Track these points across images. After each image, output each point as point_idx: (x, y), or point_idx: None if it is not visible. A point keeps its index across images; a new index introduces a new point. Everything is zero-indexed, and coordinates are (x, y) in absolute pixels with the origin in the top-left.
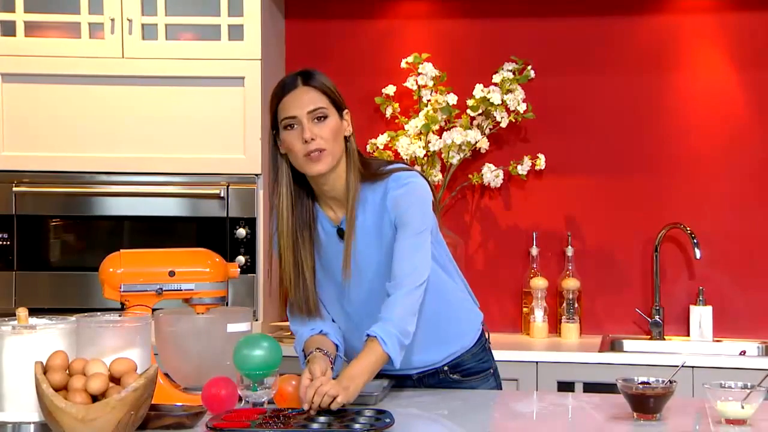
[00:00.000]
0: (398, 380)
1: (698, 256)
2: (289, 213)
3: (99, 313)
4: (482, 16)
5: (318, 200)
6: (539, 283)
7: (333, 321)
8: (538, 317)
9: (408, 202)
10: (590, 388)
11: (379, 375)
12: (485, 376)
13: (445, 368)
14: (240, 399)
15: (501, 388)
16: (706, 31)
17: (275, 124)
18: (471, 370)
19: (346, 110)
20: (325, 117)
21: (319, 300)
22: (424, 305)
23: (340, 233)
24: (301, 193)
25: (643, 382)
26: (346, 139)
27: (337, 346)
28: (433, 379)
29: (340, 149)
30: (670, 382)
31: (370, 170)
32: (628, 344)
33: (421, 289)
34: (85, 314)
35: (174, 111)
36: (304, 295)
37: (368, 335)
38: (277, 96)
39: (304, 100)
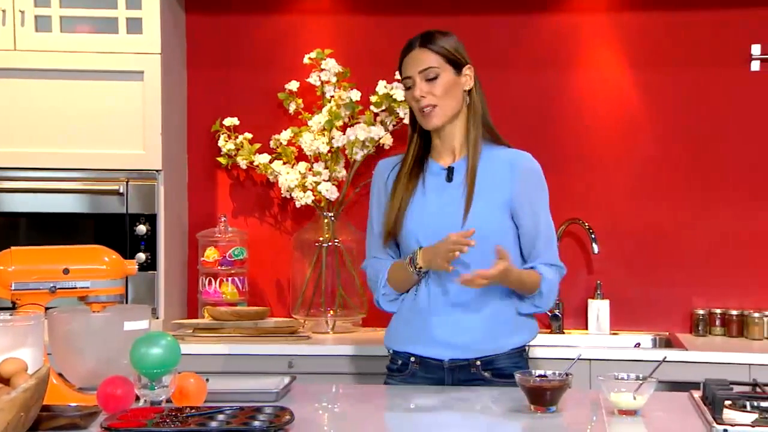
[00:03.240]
0: (430, 369)
1: (596, 250)
2: (413, 159)
3: None
4: (385, 12)
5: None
6: None
7: None
8: None
9: (543, 186)
10: None
11: (408, 358)
12: None
13: (477, 363)
14: (137, 398)
15: None
16: (602, 30)
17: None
18: (503, 372)
19: (467, 65)
20: (437, 76)
21: (403, 225)
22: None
23: (450, 172)
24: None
25: (540, 376)
26: (468, 93)
27: None
28: (463, 373)
29: (455, 103)
30: (566, 374)
31: (493, 133)
32: None
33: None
34: None
35: (71, 105)
36: (395, 215)
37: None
38: (401, 57)
39: (417, 61)
